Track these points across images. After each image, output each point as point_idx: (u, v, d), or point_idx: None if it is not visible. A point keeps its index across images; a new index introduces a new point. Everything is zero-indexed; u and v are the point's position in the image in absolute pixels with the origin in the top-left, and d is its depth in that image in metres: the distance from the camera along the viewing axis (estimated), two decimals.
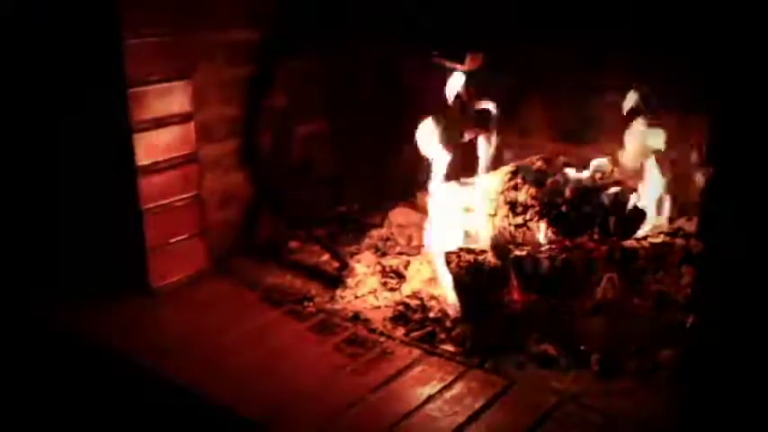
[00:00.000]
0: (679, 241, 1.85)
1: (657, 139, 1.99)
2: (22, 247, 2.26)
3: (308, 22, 2.25)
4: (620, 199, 1.90)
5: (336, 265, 2.19)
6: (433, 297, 1.96)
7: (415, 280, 2.05)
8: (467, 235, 2.02)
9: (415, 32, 2.04)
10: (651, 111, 1.96)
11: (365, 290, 2.07)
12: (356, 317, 1.96)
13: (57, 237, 2.24)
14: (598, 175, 1.98)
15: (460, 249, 1.89)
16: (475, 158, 2.17)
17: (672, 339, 1.62)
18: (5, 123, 2.22)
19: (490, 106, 2.13)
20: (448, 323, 1.86)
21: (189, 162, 2.16)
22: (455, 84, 2.09)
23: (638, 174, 2.03)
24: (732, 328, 1.32)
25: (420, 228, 2.30)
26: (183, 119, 2.12)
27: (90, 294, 2.10)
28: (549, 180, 1.97)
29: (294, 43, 2.31)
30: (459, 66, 2.08)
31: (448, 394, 1.64)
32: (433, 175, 2.08)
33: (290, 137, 2.48)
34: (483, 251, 1.88)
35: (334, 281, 2.12)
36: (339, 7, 2.21)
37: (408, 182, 2.41)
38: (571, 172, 1.99)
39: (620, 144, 2.04)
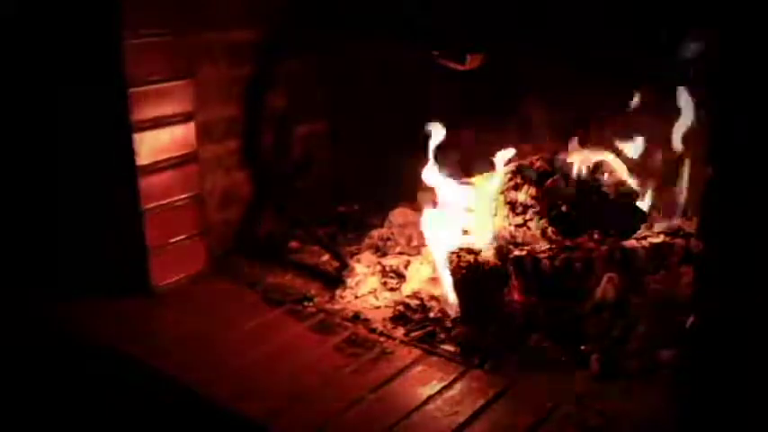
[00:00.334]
0: (679, 241, 1.85)
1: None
2: (22, 246, 2.26)
3: (308, 22, 2.25)
4: (621, 199, 1.90)
5: (336, 265, 2.19)
6: (433, 297, 1.96)
7: (415, 280, 2.05)
8: (467, 235, 2.02)
9: (415, 32, 2.04)
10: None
11: (365, 290, 2.07)
12: (356, 317, 1.96)
13: (57, 236, 2.25)
14: (598, 175, 1.98)
15: (460, 249, 1.89)
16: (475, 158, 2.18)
17: (672, 339, 1.62)
18: (6, 123, 2.23)
19: None
20: (448, 323, 1.87)
21: (189, 162, 2.16)
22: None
23: (639, 174, 2.03)
24: (732, 328, 1.32)
25: (420, 228, 2.30)
26: (183, 119, 2.12)
27: (90, 294, 2.10)
28: (549, 180, 1.97)
29: (294, 43, 2.31)
30: (459, 66, 2.08)
31: (448, 394, 1.64)
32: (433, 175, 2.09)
33: (290, 137, 2.48)
34: (483, 251, 1.88)
35: (334, 281, 2.12)
36: (339, 7, 2.21)
37: (408, 182, 2.41)
38: (571, 172, 1.99)
39: (621, 144, 2.04)
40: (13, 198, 2.26)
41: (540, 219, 1.91)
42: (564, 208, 1.90)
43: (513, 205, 1.95)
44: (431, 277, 2.03)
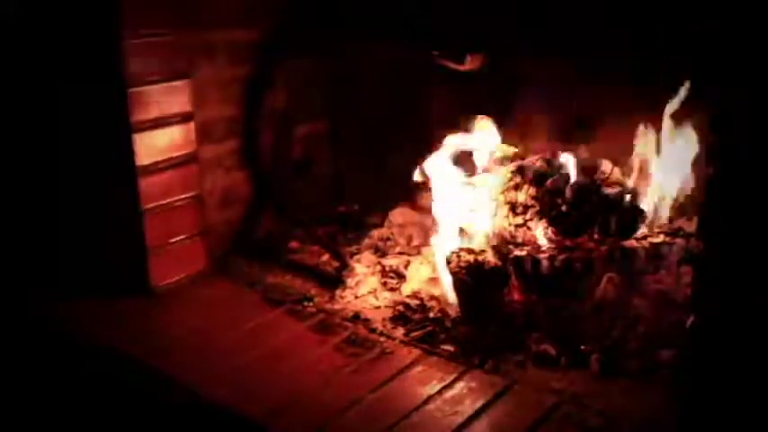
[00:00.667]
0: (679, 241, 1.85)
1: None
2: (22, 246, 2.26)
3: (308, 22, 2.25)
4: (621, 199, 1.90)
5: (336, 265, 2.19)
6: (433, 297, 1.96)
7: (415, 280, 2.05)
8: (467, 235, 2.02)
9: (415, 32, 2.04)
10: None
11: (365, 290, 2.07)
12: (356, 317, 1.96)
13: (57, 236, 2.25)
14: (598, 175, 1.98)
15: (460, 249, 1.89)
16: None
17: (672, 339, 1.62)
18: (6, 123, 2.23)
19: None
20: (448, 323, 1.87)
21: (189, 162, 2.16)
22: None
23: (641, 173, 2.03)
24: (732, 328, 1.32)
25: (420, 228, 2.30)
26: (183, 119, 2.12)
27: (90, 294, 2.10)
28: (549, 180, 1.97)
29: (294, 43, 2.31)
30: (459, 66, 2.08)
31: (448, 394, 1.64)
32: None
33: (290, 137, 2.48)
34: (483, 251, 1.88)
35: (334, 281, 2.12)
36: (339, 7, 2.21)
37: (408, 182, 2.41)
38: (571, 172, 1.99)
39: (621, 144, 2.04)
40: (14, 198, 2.26)
41: (540, 219, 1.91)
42: (564, 208, 1.90)
43: (513, 205, 1.95)
44: (431, 277, 2.03)
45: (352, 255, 2.24)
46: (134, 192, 2.04)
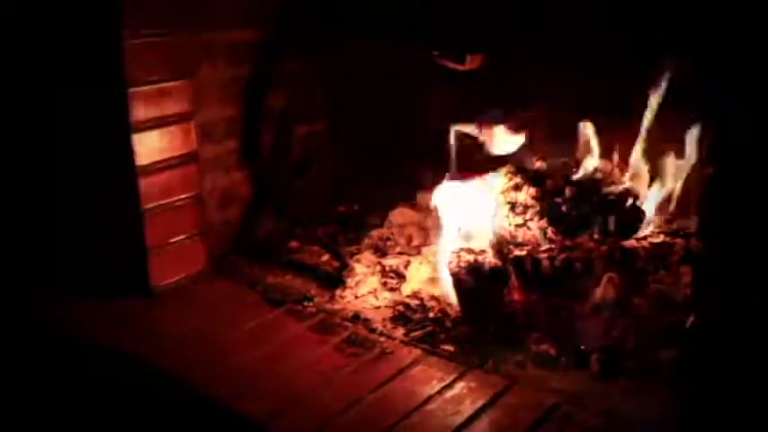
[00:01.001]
0: (679, 241, 1.85)
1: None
2: (22, 246, 2.26)
3: (308, 22, 2.25)
4: (621, 199, 1.90)
5: (336, 265, 2.19)
6: (433, 297, 1.96)
7: (415, 280, 2.05)
8: (467, 235, 2.02)
9: (415, 32, 2.04)
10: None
11: (365, 290, 2.07)
12: (356, 317, 1.96)
13: (57, 236, 2.25)
14: (598, 175, 1.98)
15: (460, 249, 1.89)
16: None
17: (672, 339, 1.62)
18: (6, 123, 2.23)
19: None
20: (448, 323, 1.86)
21: (189, 162, 2.16)
22: None
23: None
24: (732, 328, 1.32)
25: (420, 228, 2.30)
26: (183, 119, 2.12)
27: (90, 294, 2.10)
28: (549, 180, 1.97)
29: (294, 43, 2.31)
30: (459, 66, 2.08)
31: (448, 394, 1.64)
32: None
33: (290, 137, 2.48)
34: (483, 251, 1.88)
35: (334, 281, 2.11)
36: (339, 7, 2.21)
37: (408, 182, 2.41)
38: (571, 172, 1.99)
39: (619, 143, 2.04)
40: (14, 198, 2.26)
41: (540, 219, 1.91)
42: (564, 208, 1.90)
43: (513, 205, 1.95)
44: (431, 277, 2.03)
45: (352, 255, 2.24)
46: (134, 192, 2.04)
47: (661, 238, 1.87)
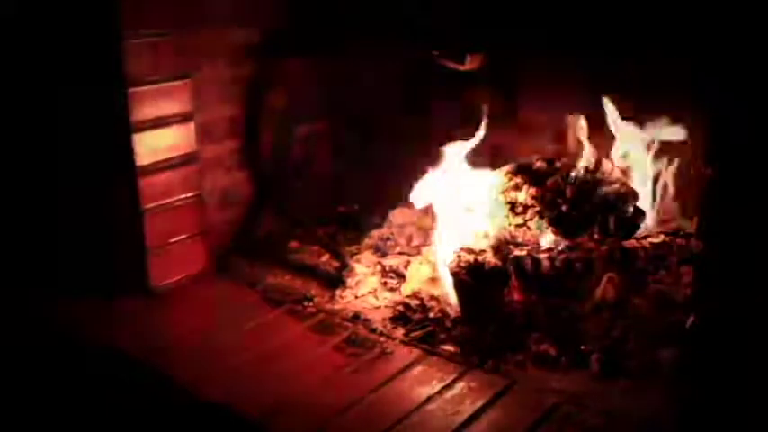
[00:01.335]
0: (679, 241, 1.85)
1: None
2: (22, 246, 2.26)
3: (308, 22, 2.25)
4: (621, 199, 1.90)
5: (336, 265, 2.19)
6: (433, 297, 1.96)
7: (415, 280, 2.05)
8: (467, 235, 2.02)
9: (415, 32, 2.04)
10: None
11: (365, 290, 2.07)
12: (356, 317, 1.96)
13: (57, 237, 2.24)
14: (598, 175, 1.98)
15: (461, 249, 1.89)
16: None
17: (672, 339, 1.62)
18: (6, 123, 2.23)
19: None
20: (448, 323, 1.87)
21: (189, 162, 2.16)
22: None
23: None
24: (732, 328, 1.32)
25: (420, 228, 2.30)
26: (183, 119, 2.12)
27: (90, 294, 2.10)
28: (549, 180, 1.97)
29: (294, 43, 2.30)
30: (459, 66, 2.08)
31: (448, 394, 1.64)
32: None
33: (291, 137, 2.48)
34: (483, 251, 1.88)
35: (335, 281, 2.12)
36: (339, 7, 2.21)
37: (408, 182, 2.41)
38: (571, 172, 1.99)
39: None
40: (14, 198, 2.26)
41: (540, 219, 1.91)
42: (564, 208, 1.90)
43: (513, 205, 1.95)
44: (431, 277, 2.03)
45: (352, 255, 2.24)
46: (134, 192, 2.04)
47: (661, 238, 1.87)
